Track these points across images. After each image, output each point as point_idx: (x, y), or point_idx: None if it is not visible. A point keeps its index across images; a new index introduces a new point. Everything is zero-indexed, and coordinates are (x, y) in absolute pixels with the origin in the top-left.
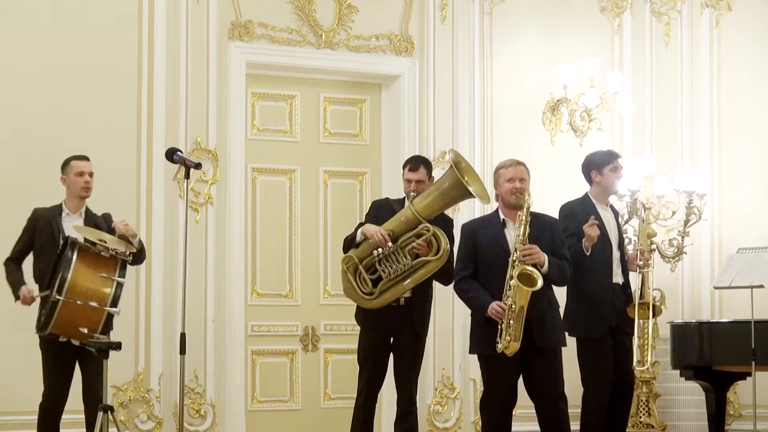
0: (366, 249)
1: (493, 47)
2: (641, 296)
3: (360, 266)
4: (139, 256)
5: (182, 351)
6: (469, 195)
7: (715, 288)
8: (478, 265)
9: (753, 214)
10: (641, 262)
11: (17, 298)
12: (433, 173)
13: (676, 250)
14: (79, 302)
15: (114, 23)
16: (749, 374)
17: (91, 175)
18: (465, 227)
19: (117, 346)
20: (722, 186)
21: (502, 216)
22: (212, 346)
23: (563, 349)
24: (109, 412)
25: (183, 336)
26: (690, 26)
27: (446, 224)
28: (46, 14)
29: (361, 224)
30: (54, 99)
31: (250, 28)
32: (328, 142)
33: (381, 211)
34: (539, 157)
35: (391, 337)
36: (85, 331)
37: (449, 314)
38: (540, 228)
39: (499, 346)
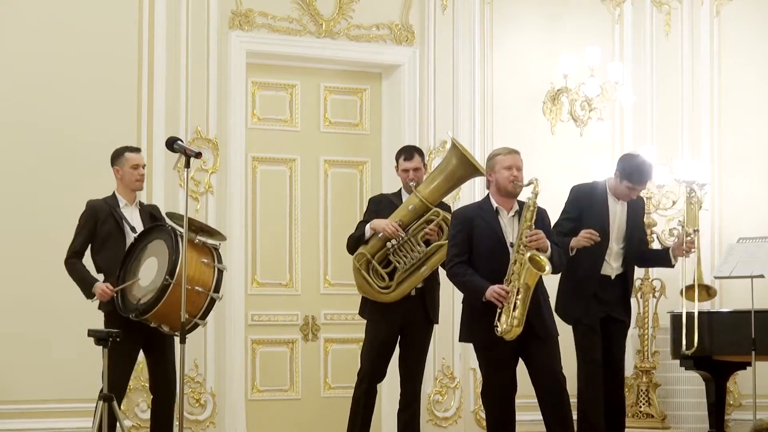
0: (376, 244)
1: (494, 37)
2: (698, 278)
3: (373, 261)
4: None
5: (182, 340)
6: (477, 172)
7: (716, 278)
8: (473, 253)
9: (753, 204)
10: (686, 248)
11: (90, 295)
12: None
13: (676, 240)
14: (187, 287)
15: (114, 12)
16: (749, 364)
17: (144, 167)
18: (458, 214)
19: (117, 335)
20: (722, 176)
21: (495, 204)
22: (212, 335)
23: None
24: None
25: (183, 325)
26: (690, 16)
27: (449, 211)
28: (45, 2)
29: (361, 222)
30: (54, 88)
31: (251, 18)
32: (329, 132)
33: (380, 206)
34: (540, 147)
35: (401, 329)
36: (186, 315)
37: (450, 303)
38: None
39: (499, 329)
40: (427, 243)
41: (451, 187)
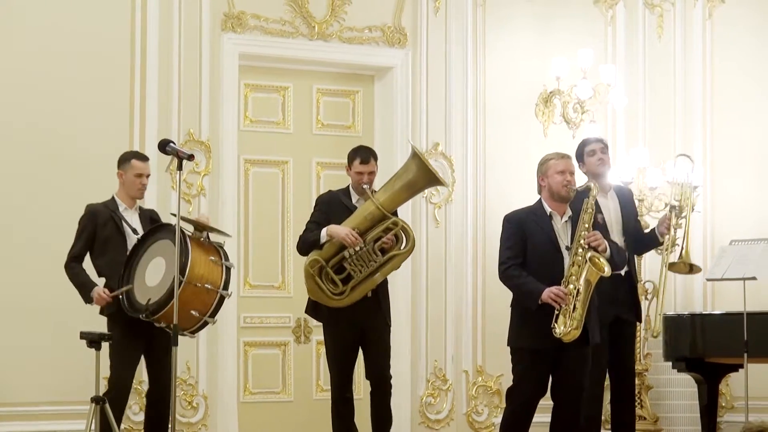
0: (330, 249)
1: (486, 39)
2: (680, 255)
3: (327, 267)
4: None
5: (174, 342)
6: (436, 181)
7: (708, 280)
8: (526, 256)
9: (745, 206)
10: (666, 224)
11: (88, 300)
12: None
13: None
14: (197, 285)
15: (107, 14)
16: (741, 366)
17: (148, 176)
18: (511, 217)
19: (109, 337)
20: (715, 178)
21: (548, 209)
22: (204, 337)
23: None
24: (101, 403)
25: (175, 327)
26: (683, 18)
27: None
28: (38, 4)
29: (311, 222)
30: (46, 89)
31: (243, 20)
32: (321, 134)
33: (331, 206)
34: (532, 149)
35: (361, 331)
36: (196, 314)
37: (442, 307)
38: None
39: (557, 331)
40: (383, 251)
41: (409, 196)
